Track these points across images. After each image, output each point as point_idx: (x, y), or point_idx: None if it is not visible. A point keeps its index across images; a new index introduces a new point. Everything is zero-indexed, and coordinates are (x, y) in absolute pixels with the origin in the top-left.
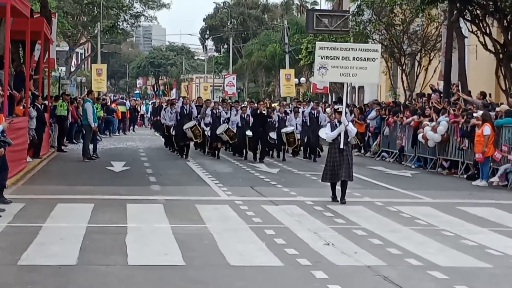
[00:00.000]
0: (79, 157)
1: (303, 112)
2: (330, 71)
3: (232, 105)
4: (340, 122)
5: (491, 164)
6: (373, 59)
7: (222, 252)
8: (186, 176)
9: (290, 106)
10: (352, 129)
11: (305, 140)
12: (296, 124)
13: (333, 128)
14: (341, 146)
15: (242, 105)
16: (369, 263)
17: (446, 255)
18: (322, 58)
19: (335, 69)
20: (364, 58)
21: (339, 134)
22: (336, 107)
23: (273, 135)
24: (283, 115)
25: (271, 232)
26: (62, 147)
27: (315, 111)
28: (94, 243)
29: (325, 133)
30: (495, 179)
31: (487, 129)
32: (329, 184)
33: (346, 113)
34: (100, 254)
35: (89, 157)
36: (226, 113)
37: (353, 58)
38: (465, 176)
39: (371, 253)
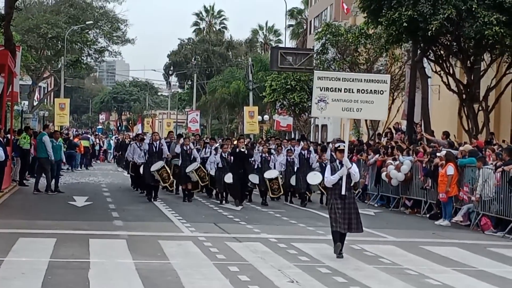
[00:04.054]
0: (40, 192)
1: (289, 150)
2: (330, 105)
3: (207, 142)
4: (341, 163)
5: (454, 204)
6: (381, 92)
7: None
8: (149, 212)
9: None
10: (356, 172)
11: (291, 183)
12: (280, 163)
13: (333, 171)
14: (343, 193)
15: (223, 143)
16: None
17: None
18: (321, 90)
19: (337, 103)
20: (371, 90)
21: (341, 178)
22: (337, 145)
23: (254, 178)
24: (266, 155)
25: (235, 268)
26: (24, 181)
27: (306, 151)
28: (56, 278)
29: (325, 176)
30: (457, 219)
31: (450, 169)
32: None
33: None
34: None
35: (51, 190)
36: (199, 150)
37: (358, 91)
38: (427, 215)
39: None
